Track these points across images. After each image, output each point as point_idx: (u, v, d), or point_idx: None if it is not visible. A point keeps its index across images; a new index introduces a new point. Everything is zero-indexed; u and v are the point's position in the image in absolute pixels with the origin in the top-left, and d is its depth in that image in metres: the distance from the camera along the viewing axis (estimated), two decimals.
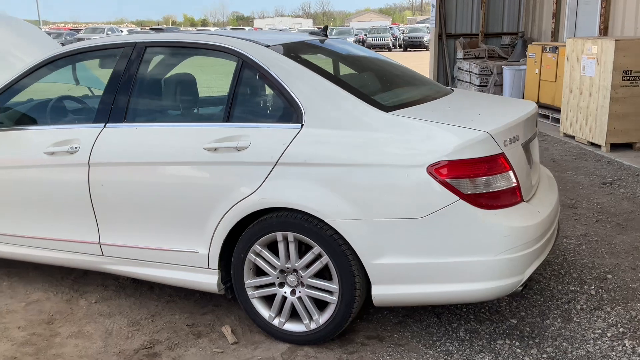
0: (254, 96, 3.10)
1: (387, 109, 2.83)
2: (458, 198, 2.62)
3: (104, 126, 3.23)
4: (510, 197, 2.75)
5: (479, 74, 11.14)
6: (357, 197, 2.72)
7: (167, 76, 3.34)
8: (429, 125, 2.71)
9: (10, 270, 3.96)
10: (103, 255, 3.33)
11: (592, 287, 3.56)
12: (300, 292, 2.94)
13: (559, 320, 3.19)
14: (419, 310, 3.31)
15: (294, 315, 3.00)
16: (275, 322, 3.00)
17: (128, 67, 3.27)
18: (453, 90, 3.65)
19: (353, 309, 2.82)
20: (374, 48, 37.99)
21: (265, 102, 3.11)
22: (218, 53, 3.14)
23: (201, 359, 2.89)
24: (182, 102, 3.35)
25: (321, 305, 2.94)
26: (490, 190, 2.67)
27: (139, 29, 52.40)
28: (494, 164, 2.68)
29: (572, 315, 3.24)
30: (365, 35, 40.30)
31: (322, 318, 2.90)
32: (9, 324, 3.26)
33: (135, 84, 3.23)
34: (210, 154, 2.95)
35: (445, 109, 3.00)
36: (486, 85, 11.10)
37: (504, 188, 2.72)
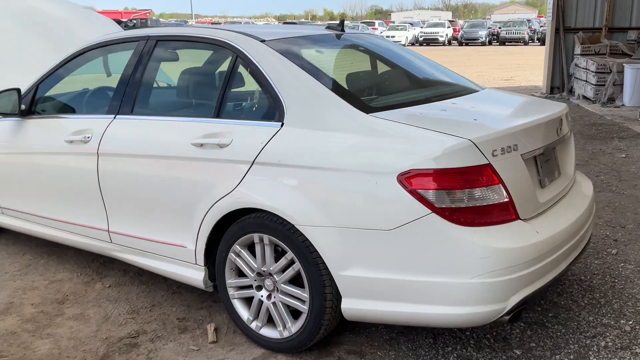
0: (244, 92, 3.02)
1: (370, 110, 2.62)
2: (430, 211, 2.37)
3: (114, 117, 3.32)
4: (499, 214, 2.44)
5: (596, 72, 10.17)
6: (328, 204, 2.55)
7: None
8: (407, 129, 2.48)
9: (52, 249, 4.22)
10: (111, 242, 3.43)
11: (630, 323, 3.09)
12: (275, 297, 2.83)
13: (572, 357, 2.80)
14: (416, 328, 3.06)
15: (271, 320, 2.89)
16: (253, 325, 2.91)
17: (139, 60, 3.32)
18: (480, 89, 3.32)
19: (324, 321, 2.66)
20: (508, 42, 36.30)
21: (253, 98, 3.02)
22: (215, 47, 3.10)
23: (175, 354, 2.89)
24: (181, 96, 3.35)
25: (297, 313, 2.81)
26: (471, 205, 2.38)
27: (274, 23, 54.12)
28: (477, 175, 2.38)
29: (590, 354, 2.82)
30: (500, 28, 38.60)
31: (295, 327, 2.77)
32: (25, 300, 3.47)
33: (143, 77, 3.28)
34: (196, 149, 2.92)
35: (441, 112, 2.73)
36: (603, 85, 10.11)
37: (491, 203, 2.42)
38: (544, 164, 2.81)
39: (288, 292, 2.76)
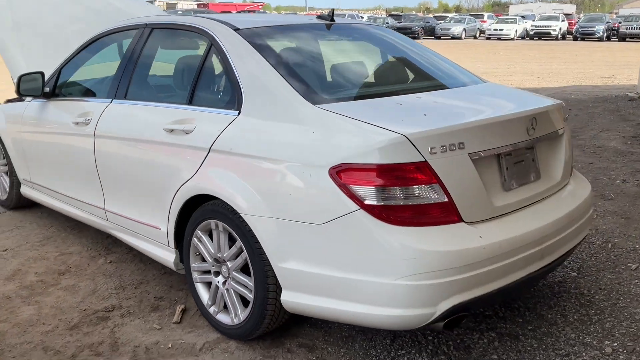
0: (214, 79, 3.05)
1: (321, 101, 2.57)
2: (358, 207, 2.29)
3: (111, 102, 3.48)
4: (435, 215, 2.32)
5: None
6: (269, 194, 2.54)
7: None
8: (345, 122, 2.41)
9: (76, 224, 4.50)
10: (107, 220, 3.61)
11: (614, 344, 2.82)
12: (228, 284, 2.85)
13: None
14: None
15: (227, 306, 2.93)
16: (211, 310, 2.96)
17: (135, 47, 3.46)
18: (474, 84, 3.15)
19: (267, 311, 2.66)
20: (629, 37, 33.67)
21: (220, 86, 3.04)
22: (195, 34, 3.15)
23: (136, 330, 3.00)
24: (164, 82, 3.44)
25: (248, 301, 2.82)
26: (403, 204, 2.28)
27: (384, 15, 53.72)
28: (411, 173, 2.27)
29: None
30: (620, 23, 35.97)
31: (243, 315, 2.79)
32: (31, 269, 3.74)
33: (136, 64, 3.41)
34: (167, 134, 3.01)
35: (396, 105, 2.62)
36: None
37: (425, 203, 2.30)
38: (512, 165, 2.62)
39: (238, 280, 2.78)
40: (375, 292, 2.30)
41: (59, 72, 4.01)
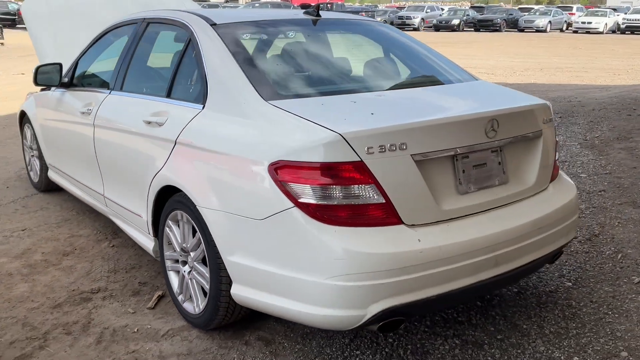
0: (189, 73, 3.11)
1: (275, 97, 2.57)
2: (293, 205, 2.29)
3: (109, 93, 3.63)
4: (370, 216, 2.28)
5: None
6: (220, 188, 2.58)
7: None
8: (289, 119, 2.40)
9: (92, 208, 4.72)
10: (106, 206, 3.77)
11: None
12: (191, 274, 2.92)
13: None
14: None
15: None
16: (180, 298, 3.04)
17: (132, 40, 3.58)
18: (456, 82, 3.06)
19: (221, 303, 2.70)
20: None
21: (193, 80, 3.09)
22: (179, 29, 3.22)
23: (111, 313, 3.13)
24: (152, 75, 3.53)
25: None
26: (336, 204, 2.26)
27: (467, 7, 52.35)
28: (346, 172, 2.25)
29: None
30: None
31: (202, 305, 2.85)
32: (40, 249, 3.97)
33: (132, 57, 3.53)
34: (145, 126, 3.11)
35: (350, 103, 2.58)
36: None
37: (360, 203, 2.27)
38: (470, 168, 2.53)
39: (199, 270, 2.84)
40: (308, 291, 2.30)
41: (76, 63, 4.21)
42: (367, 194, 2.26)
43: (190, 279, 2.92)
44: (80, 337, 2.90)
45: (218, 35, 2.94)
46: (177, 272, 3.09)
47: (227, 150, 2.54)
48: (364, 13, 34.28)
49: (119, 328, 2.98)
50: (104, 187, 3.71)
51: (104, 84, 3.86)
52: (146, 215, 3.20)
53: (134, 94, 3.40)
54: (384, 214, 2.29)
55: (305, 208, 2.27)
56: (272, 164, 2.33)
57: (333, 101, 2.61)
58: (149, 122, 3.07)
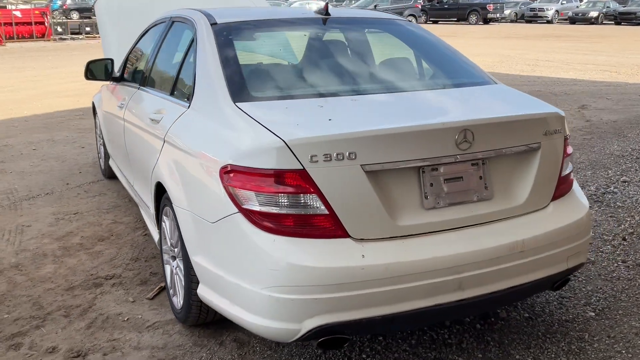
0: (188, 71, 3.14)
1: (244, 99, 2.54)
2: (237, 210, 2.26)
3: (138, 89, 3.78)
4: (312, 227, 2.19)
5: None
6: (188, 188, 2.61)
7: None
8: (245, 122, 2.37)
9: None
10: (136, 195, 3.95)
11: None
12: (176, 269, 2.98)
13: None
14: None
15: None
16: (171, 292, 3.12)
17: (158, 38, 3.70)
18: (484, 84, 2.85)
19: (192, 302, 2.73)
20: None
21: (190, 78, 3.11)
22: (188, 27, 3.26)
23: (112, 300, 3.27)
24: (165, 72, 3.59)
25: None
26: (277, 212, 2.19)
27: None
28: (287, 180, 2.17)
29: None
30: None
31: (181, 301, 2.89)
32: (81, 233, 4.23)
33: (157, 54, 3.65)
34: (149, 122, 3.20)
35: (317, 107, 2.48)
36: None
37: (301, 214, 2.18)
38: (440, 181, 2.33)
39: (180, 267, 2.88)
40: (249, 300, 2.25)
41: (126, 58, 4.43)
42: (309, 204, 2.17)
43: (175, 274, 2.98)
44: (75, 320, 3.06)
45: (213, 34, 2.95)
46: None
47: (194, 150, 2.56)
48: (491, 6, 32.89)
49: (113, 315, 3.11)
50: (133, 178, 3.88)
51: (137, 80, 4.03)
52: (152, 208, 3.31)
53: (153, 90, 3.52)
54: (328, 226, 2.18)
55: (248, 215, 2.22)
56: (222, 168, 2.31)
57: (299, 105, 2.52)
58: (151, 120, 3.16)
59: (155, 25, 4.03)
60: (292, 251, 2.15)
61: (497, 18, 34.43)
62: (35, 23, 22.75)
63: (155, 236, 3.37)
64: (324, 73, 2.94)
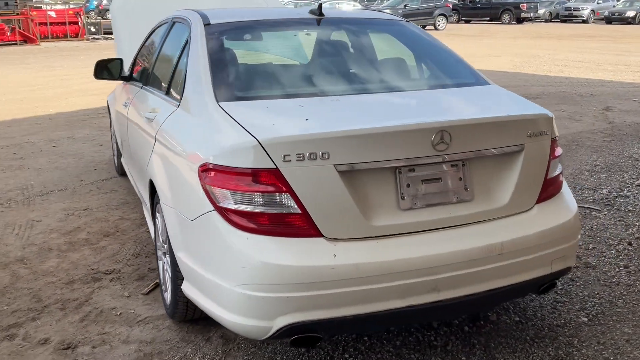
0: (181, 71, 3.18)
1: (227, 98, 2.57)
2: (213, 208, 2.29)
3: (141, 88, 3.85)
4: (285, 226, 2.21)
5: None
6: (172, 186, 2.65)
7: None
8: (224, 121, 2.39)
9: None
10: (138, 193, 4.02)
11: None
12: (166, 265, 3.03)
13: None
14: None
15: None
16: (163, 288, 3.17)
17: (160, 39, 3.76)
18: (475, 85, 2.84)
19: (179, 297, 2.78)
20: None
21: (181, 78, 3.15)
22: (185, 27, 3.30)
23: (109, 295, 3.34)
24: (163, 72, 3.64)
25: None
26: (249, 210, 2.21)
27: None
28: (260, 179, 2.19)
29: None
30: None
31: (170, 297, 2.94)
32: (88, 228, 4.33)
33: (158, 54, 3.71)
34: (144, 121, 3.26)
35: (297, 107, 2.50)
36: None
37: (274, 212, 2.20)
38: (417, 182, 2.33)
39: (169, 263, 2.93)
40: (224, 296, 2.28)
41: (134, 58, 4.51)
42: (281, 203, 2.19)
43: (165, 270, 3.03)
44: (70, 314, 3.14)
45: (205, 35, 2.99)
46: None
47: (178, 149, 2.60)
48: (524, 5, 32.39)
49: (107, 310, 3.18)
50: (135, 175, 3.96)
51: (140, 79, 4.10)
52: (148, 204, 3.37)
53: (152, 89, 3.58)
54: (300, 225, 2.20)
55: (223, 212, 2.25)
56: (201, 166, 2.34)
57: (281, 105, 2.54)
58: (147, 118, 3.22)
59: (160, 25, 4.10)
60: (264, 249, 2.18)
61: (531, 17, 33.91)
62: (69, 23, 23.27)
63: (152, 233, 3.43)
64: (310, 73, 2.95)
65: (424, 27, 28.95)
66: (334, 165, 2.19)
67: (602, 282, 3.39)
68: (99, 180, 5.49)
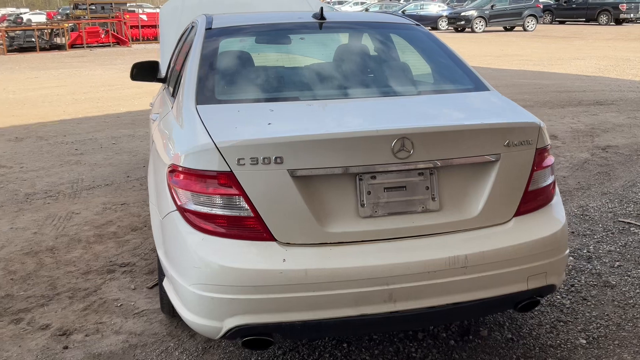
0: (182, 73, 3.26)
1: (206, 101, 2.63)
2: (175, 208, 2.36)
3: (164, 89, 4.00)
4: (238, 229, 2.24)
5: None
6: (154, 184, 2.75)
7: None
8: (193, 124, 2.45)
9: None
10: None
11: None
12: None
13: None
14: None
15: None
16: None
17: (182, 41, 3.89)
18: (471, 92, 2.77)
19: (163, 292, 2.86)
20: None
21: (180, 80, 3.22)
22: (195, 30, 3.39)
23: (117, 287, 3.50)
24: (177, 75, 3.73)
25: None
26: (206, 212, 2.26)
27: None
28: (216, 182, 2.23)
29: None
30: None
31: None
32: (119, 222, 4.54)
33: (178, 57, 3.84)
34: (150, 122, 3.39)
35: (268, 111, 2.51)
36: None
37: (227, 214, 2.24)
38: (379, 190, 2.28)
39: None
40: (183, 294, 2.34)
41: (169, 61, 4.69)
42: (235, 205, 2.21)
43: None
44: (76, 302, 3.32)
45: (204, 39, 3.06)
46: None
47: (158, 150, 2.69)
48: (624, 5, 30.52)
49: (110, 301, 3.34)
50: None
51: (166, 81, 4.25)
52: None
53: (166, 91, 3.71)
54: (253, 228, 2.22)
55: (183, 213, 2.31)
56: (168, 167, 2.41)
57: (252, 109, 2.57)
58: (152, 120, 3.35)
59: (186, 29, 4.23)
60: (215, 251, 2.21)
61: (631, 18, 31.90)
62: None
63: None
64: (295, 77, 2.96)
65: (512, 28, 28.00)
66: (288, 170, 2.19)
67: (616, 303, 3.17)
68: (143, 176, 5.74)
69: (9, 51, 21.26)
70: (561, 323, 2.99)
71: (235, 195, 2.21)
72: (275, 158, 2.18)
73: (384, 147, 2.23)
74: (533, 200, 2.48)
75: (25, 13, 45.82)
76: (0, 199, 5.10)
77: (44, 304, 3.31)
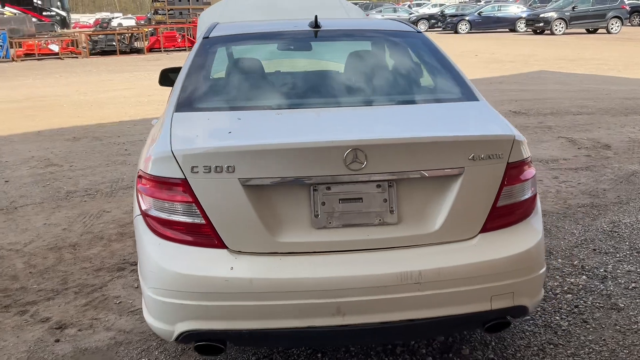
0: None
1: (184, 109, 2.69)
2: (139, 213, 2.43)
3: None
4: (190, 235, 2.29)
5: None
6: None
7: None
8: (162, 130, 2.52)
9: None
10: None
11: None
12: None
13: None
14: None
15: None
16: None
17: None
18: (458, 102, 2.72)
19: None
20: None
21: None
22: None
23: (122, 285, 3.64)
24: None
25: None
26: (162, 217, 2.33)
27: None
28: (171, 189, 2.29)
29: None
30: None
31: None
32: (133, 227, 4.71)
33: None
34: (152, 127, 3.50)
35: (235, 120, 2.55)
36: None
37: (180, 221, 2.29)
38: (334, 201, 2.26)
39: None
40: (144, 297, 2.42)
41: None
42: (188, 212, 2.26)
43: None
44: (80, 298, 3.49)
45: (198, 47, 3.14)
46: None
47: (142, 156, 2.78)
48: None
49: (111, 298, 3.48)
50: None
51: None
52: None
53: None
54: (205, 235, 2.25)
55: (145, 217, 2.38)
56: (138, 172, 2.49)
57: (221, 117, 2.60)
58: (153, 124, 3.45)
59: None
60: (169, 256, 2.27)
61: None
62: None
63: None
64: (276, 86, 2.96)
65: (595, 30, 26.70)
66: (239, 179, 2.21)
67: (618, 327, 2.98)
68: None
69: (91, 54, 22.48)
70: (551, 346, 2.84)
71: (189, 202, 2.25)
72: (227, 167, 2.21)
73: (337, 158, 2.20)
74: (504, 216, 2.38)
75: (117, 17, 48.37)
76: (43, 196, 5.42)
77: (51, 298, 3.50)
